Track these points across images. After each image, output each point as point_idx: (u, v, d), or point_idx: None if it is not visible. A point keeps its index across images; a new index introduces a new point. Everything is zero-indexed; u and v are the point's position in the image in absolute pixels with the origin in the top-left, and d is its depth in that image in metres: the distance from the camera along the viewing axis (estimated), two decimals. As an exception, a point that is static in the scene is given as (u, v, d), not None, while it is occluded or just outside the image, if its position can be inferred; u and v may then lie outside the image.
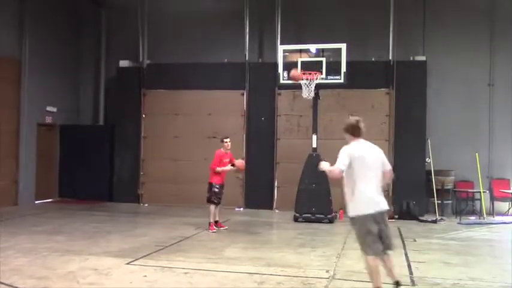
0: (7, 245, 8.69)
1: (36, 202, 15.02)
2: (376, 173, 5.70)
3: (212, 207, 10.74)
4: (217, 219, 10.97)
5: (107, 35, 16.66)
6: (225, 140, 10.98)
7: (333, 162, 5.68)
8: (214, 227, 10.73)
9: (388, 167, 5.87)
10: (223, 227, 11.07)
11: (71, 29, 16.65)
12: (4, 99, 14.01)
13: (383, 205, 5.68)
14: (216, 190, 10.72)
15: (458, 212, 13.67)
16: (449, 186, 14.03)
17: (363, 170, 5.60)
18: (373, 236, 5.57)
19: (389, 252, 5.78)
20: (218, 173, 10.73)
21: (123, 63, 15.81)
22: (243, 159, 12.34)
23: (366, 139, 5.87)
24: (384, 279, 5.71)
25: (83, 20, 16.96)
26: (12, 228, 10.61)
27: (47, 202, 15.37)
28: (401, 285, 5.78)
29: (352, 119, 5.92)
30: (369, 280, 5.77)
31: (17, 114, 14.46)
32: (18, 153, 14.48)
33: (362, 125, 5.85)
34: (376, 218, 5.59)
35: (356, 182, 5.61)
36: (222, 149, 10.90)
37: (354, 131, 5.83)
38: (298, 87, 12.32)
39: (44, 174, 15.52)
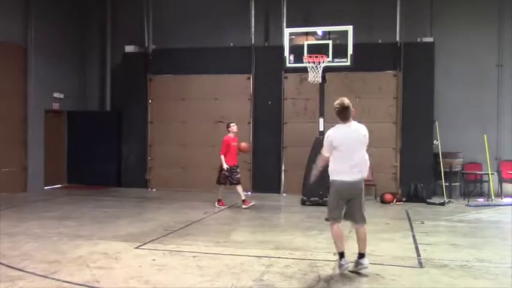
0: (17, 230, 8.79)
1: (45, 188, 15.14)
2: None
3: (221, 187, 11.71)
4: (219, 197, 11.76)
5: (113, 20, 16.59)
6: (231, 125, 11.71)
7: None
8: (217, 205, 11.69)
9: None
10: (223, 205, 11.68)
11: (76, 15, 16.57)
12: (11, 86, 14.06)
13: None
14: (226, 173, 11.48)
15: (466, 194, 13.64)
16: (457, 168, 13.99)
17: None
18: None
19: None
20: (225, 157, 11.46)
21: (129, 48, 15.75)
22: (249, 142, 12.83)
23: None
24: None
25: (88, 5, 16.89)
26: (22, 214, 10.73)
27: (55, 188, 15.48)
28: None
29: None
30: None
31: (24, 101, 14.51)
32: (27, 140, 14.55)
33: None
34: None
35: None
36: (229, 134, 11.63)
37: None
38: (305, 70, 12.22)
39: (52, 160, 15.60)
